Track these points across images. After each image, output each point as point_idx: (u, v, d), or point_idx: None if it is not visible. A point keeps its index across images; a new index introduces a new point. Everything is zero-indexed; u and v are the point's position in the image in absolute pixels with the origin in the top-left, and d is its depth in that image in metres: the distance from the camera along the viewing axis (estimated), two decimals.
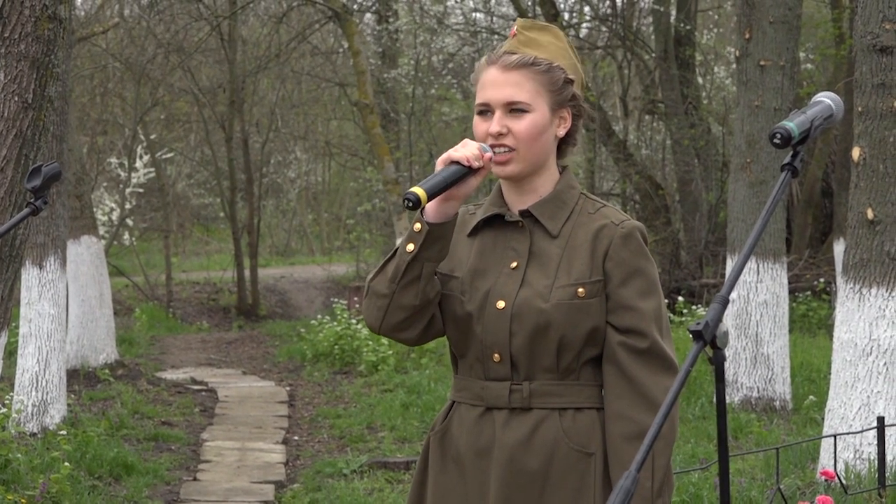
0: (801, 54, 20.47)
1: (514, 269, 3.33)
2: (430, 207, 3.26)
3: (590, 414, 3.29)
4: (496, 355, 3.30)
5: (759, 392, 11.43)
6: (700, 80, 23.09)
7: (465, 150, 3.22)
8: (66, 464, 8.63)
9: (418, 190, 3.15)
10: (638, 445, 3.19)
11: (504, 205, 3.40)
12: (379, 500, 8.78)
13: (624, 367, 3.24)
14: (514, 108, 3.30)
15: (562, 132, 3.37)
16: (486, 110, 3.33)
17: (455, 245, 3.42)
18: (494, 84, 3.32)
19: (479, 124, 3.33)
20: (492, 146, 3.30)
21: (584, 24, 24.15)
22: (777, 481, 6.35)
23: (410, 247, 3.26)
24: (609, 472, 3.26)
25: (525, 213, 3.36)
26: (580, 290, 3.26)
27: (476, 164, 3.21)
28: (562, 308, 3.25)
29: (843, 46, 18.76)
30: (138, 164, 23.71)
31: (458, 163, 3.22)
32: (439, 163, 3.24)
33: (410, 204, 3.14)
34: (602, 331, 3.28)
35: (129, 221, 24.88)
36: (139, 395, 12.75)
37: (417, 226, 3.25)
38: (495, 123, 3.29)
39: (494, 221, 3.40)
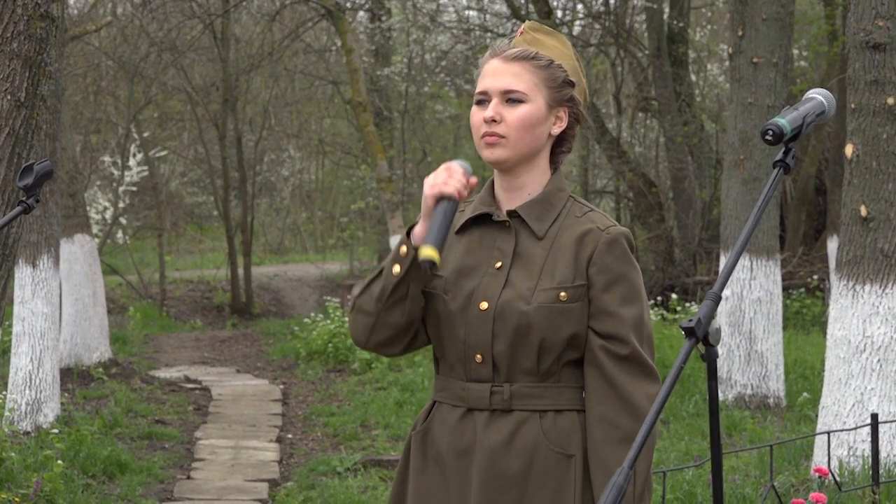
0: (795, 51, 20.47)
1: (498, 269, 3.33)
2: (418, 231, 3.28)
3: (570, 416, 3.30)
4: (478, 356, 3.31)
5: (752, 389, 11.44)
6: (693, 77, 23.11)
7: (454, 182, 3.23)
8: (60, 462, 8.62)
9: (429, 253, 3.15)
10: (621, 449, 3.21)
11: (493, 202, 3.41)
12: (373, 498, 8.78)
13: (606, 372, 3.25)
14: (510, 98, 3.32)
15: (556, 130, 3.38)
16: (483, 99, 3.35)
17: None
18: (494, 73, 3.35)
19: (475, 113, 3.35)
20: (484, 134, 3.32)
21: (577, 22, 24.15)
22: (771, 478, 6.34)
23: (397, 269, 3.29)
24: (589, 474, 3.28)
25: (512, 214, 3.37)
26: (562, 293, 3.27)
27: (465, 195, 3.25)
28: (543, 311, 3.26)
29: (836, 43, 18.76)
30: (131, 162, 23.67)
31: (449, 197, 3.23)
32: (429, 196, 3.23)
33: (429, 267, 3.16)
34: (583, 335, 3.28)
35: (123, 220, 24.84)
36: (133, 393, 12.73)
37: (404, 249, 3.28)
38: (490, 109, 3.31)
39: (482, 220, 3.41)
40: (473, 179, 3.27)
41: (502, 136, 3.30)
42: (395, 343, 3.38)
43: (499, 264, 3.34)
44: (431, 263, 3.14)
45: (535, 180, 3.38)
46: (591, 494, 3.26)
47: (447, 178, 3.24)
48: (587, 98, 3.47)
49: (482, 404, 3.32)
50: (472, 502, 3.30)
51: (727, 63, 14.58)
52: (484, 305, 3.30)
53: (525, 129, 3.31)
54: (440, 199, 3.24)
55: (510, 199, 3.39)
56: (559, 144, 3.42)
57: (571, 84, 3.38)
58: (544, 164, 3.39)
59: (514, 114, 3.31)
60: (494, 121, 3.31)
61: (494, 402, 3.31)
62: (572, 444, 3.28)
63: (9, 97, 5.96)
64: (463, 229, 3.42)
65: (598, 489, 3.23)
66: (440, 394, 3.41)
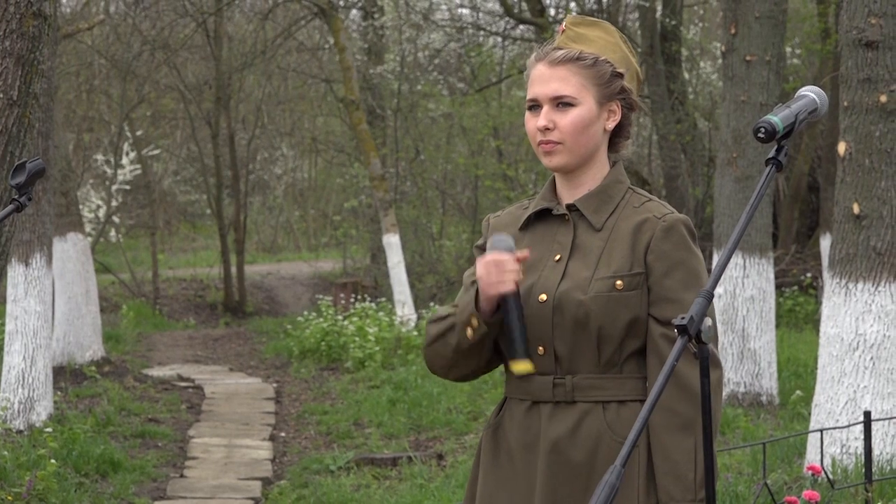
0: (787, 49, 20.49)
1: (556, 261, 3.38)
2: (485, 307, 3.32)
3: (633, 407, 3.33)
4: (540, 348, 3.35)
5: (745, 387, 11.45)
6: (686, 75, 23.11)
7: (509, 277, 3.26)
8: (53, 461, 8.62)
9: (525, 367, 3.30)
10: (681, 436, 3.24)
11: (554, 198, 3.46)
12: (365, 496, 8.78)
13: (666, 360, 3.26)
14: (560, 103, 3.36)
15: (611, 125, 3.42)
16: (535, 105, 3.39)
17: None
18: (541, 79, 3.39)
19: (529, 120, 3.40)
20: (540, 142, 3.37)
21: None
22: (764, 476, 6.35)
23: (470, 332, 3.34)
24: (652, 463, 3.29)
25: (571, 207, 3.41)
26: (618, 282, 3.30)
27: (522, 277, 3.28)
28: (600, 300, 3.29)
29: (828, 41, 18.77)
30: (124, 160, 23.66)
31: (510, 293, 3.28)
32: (490, 298, 3.28)
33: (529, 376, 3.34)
34: (642, 323, 3.31)
35: (116, 218, 24.84)
36: (126, 391, 12.72)
37: (475, 322, 3.33)
38: (542, 118, 3.36)
39: (543, 215, 3.46)
40: (522, 254, 3.30)
41: (558, 143, 3.36)
42: (472, 377, 3.50)
43: (558, 257, 3.38)
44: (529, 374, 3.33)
45: (595, 176, 3.43)
46: (654, 483, 3.28)
47: (499, 274, 3.27)
48: (640, 79, 3.51)
49: (546, 396, 3.35)
50: (537, 493, 3.33)
51: (720, 61, 14.59)
52: (543, 297, 3.34)
53: (579, 132, 3.36)
54: (502, 298, 3.29)
55: (571, 194, 3.44)
56: (616, 134, 3.46)
57: (620, 75, 3.41)
58: (603, 159, 3.44)
59: (566, 119, 3.35)
60: (548, 128, 3.35)
61: (557, 393, 3.35)
62: None
63: (1, 95, 5.95)
64: (526, 225, 3.47)
65: (659, 476, 3.26)
66: (509, 389, 3.45)
